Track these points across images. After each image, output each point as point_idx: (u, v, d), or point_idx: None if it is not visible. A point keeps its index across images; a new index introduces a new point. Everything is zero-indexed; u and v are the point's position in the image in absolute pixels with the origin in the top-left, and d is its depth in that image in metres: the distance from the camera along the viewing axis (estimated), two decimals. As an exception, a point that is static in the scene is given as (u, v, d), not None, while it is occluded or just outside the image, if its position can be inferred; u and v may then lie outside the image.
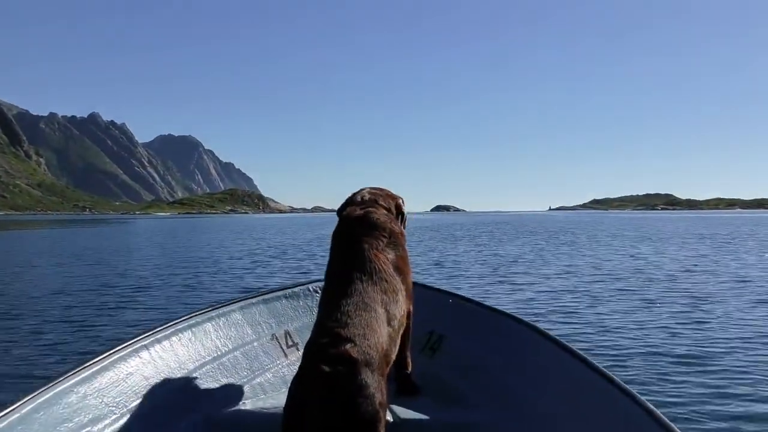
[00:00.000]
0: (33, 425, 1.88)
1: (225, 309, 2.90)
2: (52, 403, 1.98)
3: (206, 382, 2.57)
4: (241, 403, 2.58)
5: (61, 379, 2.05)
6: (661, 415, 1.89)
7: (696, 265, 14.14)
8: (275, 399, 2.61)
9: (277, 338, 3.00)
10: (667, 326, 6.73)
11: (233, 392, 2.62)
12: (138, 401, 2.26)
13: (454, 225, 58.23)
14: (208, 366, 2.64)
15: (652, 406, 1.93)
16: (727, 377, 4.71)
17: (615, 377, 2.17)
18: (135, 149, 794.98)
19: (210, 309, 2.85)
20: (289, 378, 2.01)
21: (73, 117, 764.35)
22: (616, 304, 8.39)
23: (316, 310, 2.41)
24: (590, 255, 17.78)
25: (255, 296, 3.10)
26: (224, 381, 2.65)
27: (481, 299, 3.41)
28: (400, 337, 2.22)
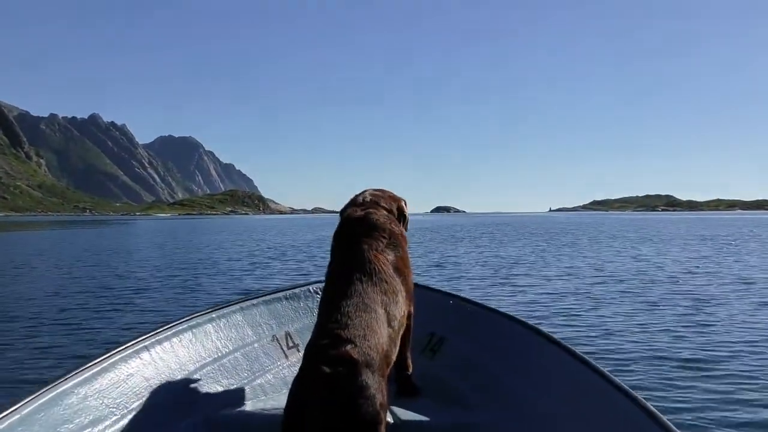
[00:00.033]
0: (33, 426, 1.88)
1: (225, 310, 2.90)
2: (53, 404, 1.98)
3: (207, 383, 2.58)
4: (241, 404, 2.58)
5: (62, 380, 2.05)
6: (661, 416, 1.88)
7: (698, 266, 14.05)
8: (276, 400, 2.60)
9: (277, 339, 3.00)
10: (671, 329, 6.64)
11: (234, 393, 2.62)
12: (139, 402, 2.26)
13: (454, 226, 58.14)
14: (208, 367, 2.65)
15: (652, 407, 1.92)
16: (733, 382, 4.62)
17: (615, 378, 2.15)
18: (135, 150, 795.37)
19: (210, 310, 2.86)
20: (290, 379, 2.02)
21: (74, 118, 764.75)
22: (619, 306, 8.30)
23: (316, 311, 2.41)
24: (592, 256, 17.69)
25: (255, 297, 3.10)
26: (225, 382, 2.65)
27: (482, 301, 3.35)
28: (400, 338, 2.22)
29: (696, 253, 18.79)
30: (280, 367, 2.90)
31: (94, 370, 2.18)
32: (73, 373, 2.11)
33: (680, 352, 5.56)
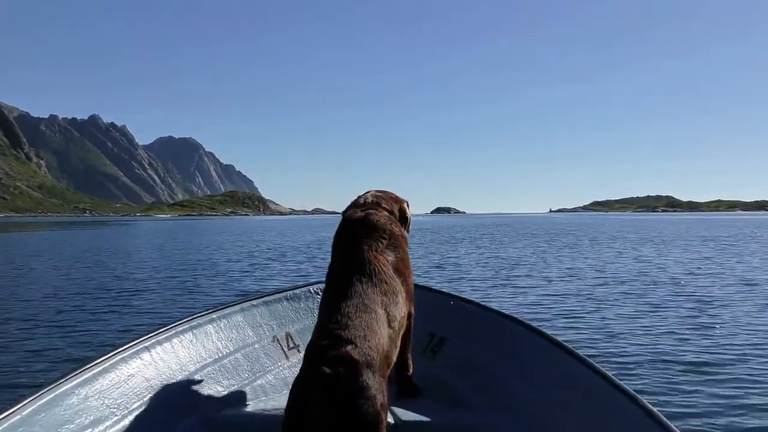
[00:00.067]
0: (34, 427, 1.88)
1: (226, 311, 2.90)
2: (54, 404, 1.98)
3: (207, 384, 2.58)
4: (242, 404, 2.58)
5: (63, 380, 2.05)
6: (662, 417, 1.87)
7: (700, 268, 13.97)
8: (276, 401, 2.60)
9: (278, 340, 3.00)
10: (675, 331, 6.55)
11: (234, 394, 2.63)
12: (139, 403, 2.26)
13: (454, 227, 58.07)
14: (209, 368, 2.65)
15: (653, 408, 1.91)
16: (740, 386, 4.53)
17: (616, 379, 2.14)
18: (135, 151, 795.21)
19: (211, 311, 2.86)
20: (290, 380, 2.02)
21: (74, 119, 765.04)
22: (621, 308, 8.22)
23: (317, 311, 2.42)
24: (593, 257, 17.60)
25: (256, 298, 3.11)
26: (225, 383, 2.65)
27: (483, 302, 3.33)
28: (400, 338, 2.22)
29: (697, 254, 18.70)
30: (281, 368, 2.89)
31: (95, 371, 2.18)
32: (74, 373, 2.11)
33: (684, 355, 5.47)
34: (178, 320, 2.70)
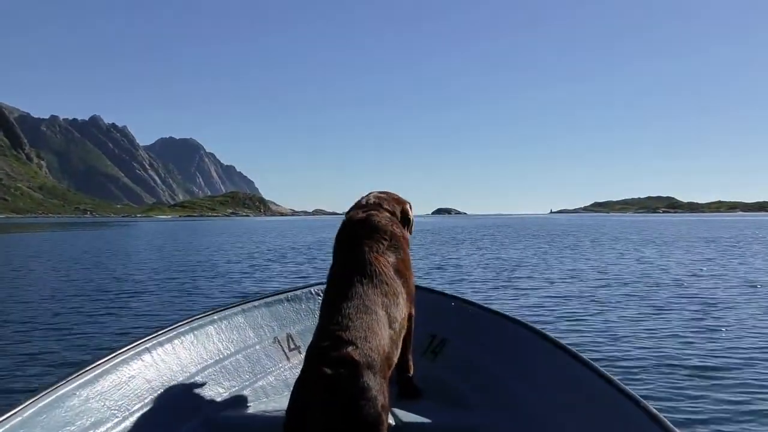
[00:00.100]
0: (35, 428, 1.87)
1: (227, 312, 2.90)
2: (55, 406, 1.97)
3: (208, 385, 2.58)
4: (243, 406, 2.57)
5: (64, 382, 2.05)
6: (667, 421, 1.84)
7: (703, 269, 13.87)
8: (277, 402, 2.60)
9: (279, 341, 3.00)
10: (679, 334, 6.46)
11: (235, 395, 2.62)
12: (140, 404, 2.26)
13: (455, 228, 57.99)
14: (210, 369, 2.64)
15: (656, 412, 1.89)
16: (747, 391, 4.44)
17: (619, 382, 2.12)
18: (136, 152, 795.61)
19: (212, 312, 2.85)
20: (291, 381, 2.02)
21: (75, 120, 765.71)
22: (624, 310, 8.12)
23: (318, 313, 2.41)
24: (594, 259, 17.51)
25: (257, 299, 3.10)
26: (226, 384, 2.65)
27: (484, 303, 3.29)
28: (401, 339, 2.22)
29: (699, 255, 18.61)
30: (282, 369, 2.89)
31: (96, 372, 2.18)
32: (75, 375, 2.10)
33: (689, 359, 5.38)
34: (179, 321, 2.69)
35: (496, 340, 2.83)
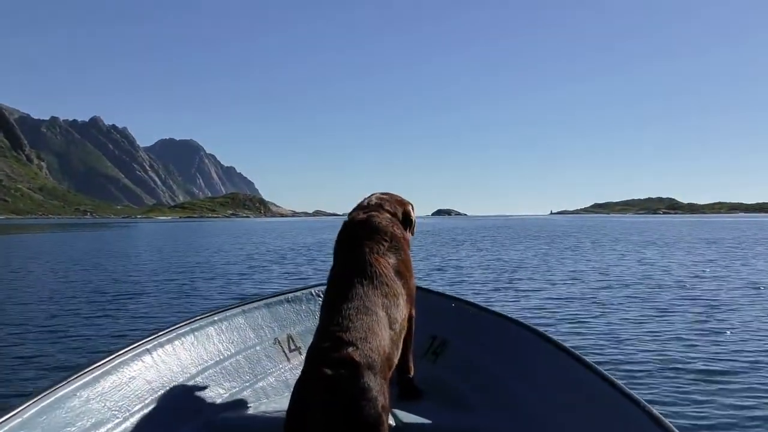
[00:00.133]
0: (35, 429, 1.86)
1: (227, 313, 2.90)
2: (55, 407, 1.97)
3: (209, 386, 2.57)
4: (243, 407, 2.57)
5: (64, 383, 2.04)
6: (668, 422, 1.83)
7: (705, 270, 13.80)
8: (278, 403, 2.59)
9: (279, 342, 2.99)
10: (683, 337, 6.38)
11: (236, 396, 2.62)
12: (141, 405, 2.26)
13: (455, 229, 57.94)
14: (210, 370, 2.64)
15: (657, 413, 1.88)
16: (754, 396, 4.36)
17: (620, 383, 2.11)
18: (136, 153, 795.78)
19: (212, 313, 2.85)
20: (292, 382, 2.02)
21: (75, 121, 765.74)
22: (627, 312, 8.04)
23: (318, 313, 2.42)
24: (595, 260, 17.44)
25: (257, 300, 3.10)
26: (227, 385, 2.65)
27: (485, 305, 3.24)
28: (402, 340, 2.22)
29: (701, 256, 18.53)
30: (282, 370, 2.88)
31: (96, 373, 2.17)
32: (76, 375, 2.10)
33: (694, 363, 5.30)
34: (179, 322, 2.68)
35: (497, 341, 2.82)
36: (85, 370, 2.15)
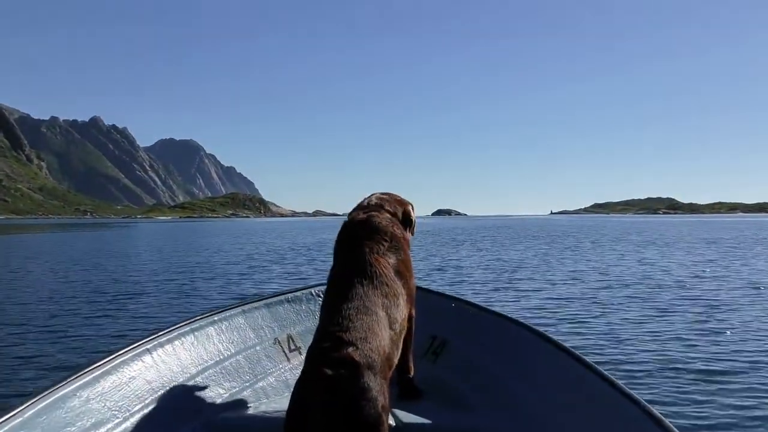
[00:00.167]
0: (35, 429, 1.87)
1: (227, 313, 2.90)
2: (55, 407, 1.97)
3: (209, 386, 2.57)
4: (243, 407, 2.57)
5: (64, 383, 2.04)
6: (666, 421, 1.83)
7: (705, 270, 13.79)
8: (278, 403, 2.59)
9: (279, 342, 2.99)
10: (683, 337, 6.37)
11: (236, 396, 2.62)
12: (141, 405, 2.26)
13: (455, 229, 57.92)
14: (210, 370, 2.64)
15: (656, 411, 1.88)
16: (754, 396, 4.36)
17: (619, 382, 2.11)
18: (136, 153, 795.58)
19: (212, 313, 2.85)
20: (292, 382, 2.02)
21: (75, 121, 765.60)
22: (627, 312, 8.04)
23: (318, 313, 2.42)
24: (596, 260, 17.43)
25: (257, 300, 3.10)
26: (227, 385, 2.65)
27: (485, 305, 3.23)
28: (401, 340, 2.21)
29: (701, 256, 18.53)
30: (282, 370, 2.88)
31: (97, 373, 2.17)
32: (76, 375, 2.10)
33: (694, 363, 5.30)
34: (179, 322, 2.68)
35: (497, 340, 2.82)
36: (85, 370, 2.14)
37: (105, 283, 12.11)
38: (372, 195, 2.66)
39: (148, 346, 2.44)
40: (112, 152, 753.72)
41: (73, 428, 1.99)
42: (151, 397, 2.31)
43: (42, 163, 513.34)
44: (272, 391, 2.76)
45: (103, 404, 2.13)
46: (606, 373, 2.20)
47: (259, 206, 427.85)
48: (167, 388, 2.40)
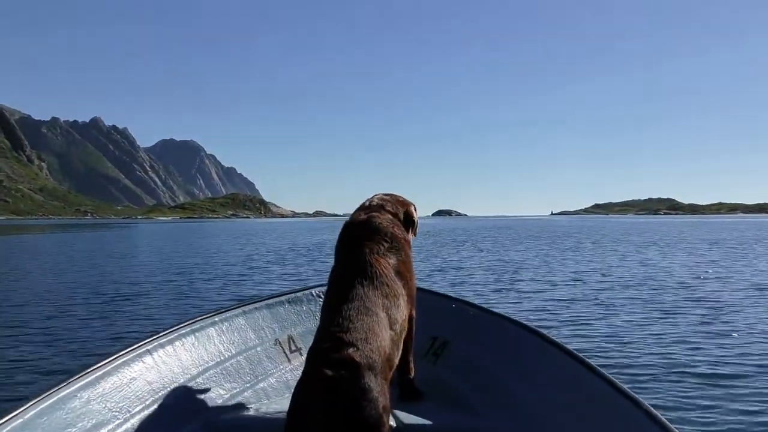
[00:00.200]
0: (36, 430, 1.87)
1: (228, 314, 2.90)
2: (56, 408, 1.97)
3: (210, 387, 2.57)
4: (244, 408, 2.56)
5: (65, 384, 2.05)
6: (665, 421, 1.84)
7: (708, 271, 13.71)
8: (278, 404, 2.60)
9: (280, 343, 2.99)
10: (687, 340, 6.29)
11: (236, 397, 2.62)
12: (141, 406, 2.26)
13: (456, 230, 57.86)
14: (211, 371, 2.64)
15: (654, 411, 1.88)
16: (762, 401, 4.27)
17: (618, 382, 2.12)
18: (137, 154, 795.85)
19: (213, 314, 2.85)
20: (293, 383, 2.03)
21: (75, 122, 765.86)
22: (630, 314, 7.95)
23: (319, 314, 2.40)
24: (597, 261, 17.35)
25: (258, 301, 3.10)
26: (227, 386, 2.65)
27: (485, 305, 3.23)
28: (402, 341, 2.21)
29: (703, 257, 18.44)
30: (283, 371, 2.89)
31: (97, 374, 2.18)
32: (76, 377, 2.10)
33: (699, 366, 5.22)
34: (180, 323, 2.69)
35: (497, 341, 2.82)
36: (86, 371, 2.15)
37: (104, 285, 12.02)
38: (374, 196, 2.67)
39: (148, 347, 2.44)
40: (112, 153, 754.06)
41: (74, 429, 1.99)
42: (152, 398, 2.31)
43: (42, 164, 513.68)
44: (273, 392, 2.76)
45: (103, 405, 2.13)
46: (606, 373, 2.21)
47: (260, 207, 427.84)
48: (168, 389, 2.40)
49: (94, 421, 2.06)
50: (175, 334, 2.60)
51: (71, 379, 2.09)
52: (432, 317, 2.97)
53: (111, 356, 2.29)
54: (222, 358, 2.73)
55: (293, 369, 2.89)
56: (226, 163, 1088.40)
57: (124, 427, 2.15)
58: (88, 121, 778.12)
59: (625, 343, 6.15)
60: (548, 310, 8.33)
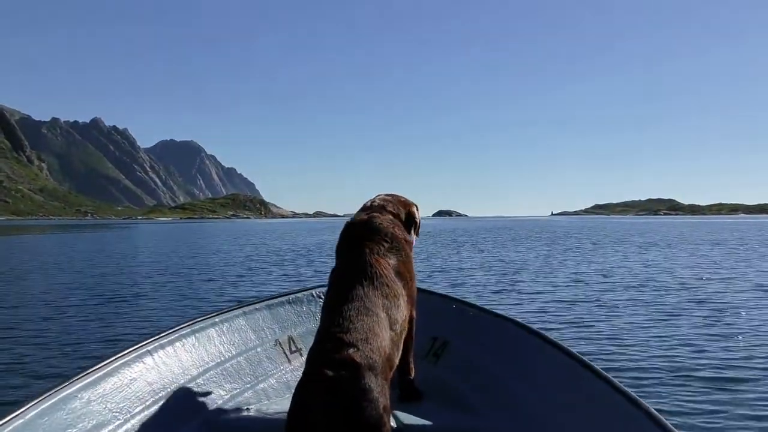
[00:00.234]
0: (37, 431, 1.88)
1: (228, 315, 2.90)
2: (57, 408, 1.98)
3: (210, 388, 2.58)
4: (244, 408, 2.57)
5: (66, 384, 2.06)
6: (663, 419, 1.85)
7: (710, 272, 13.63)
8: (279, 404, 2.61)
9: (280, 344, 2.99)
10: (691, 342, 6.22)
11: (237, 398, 2.63)
12: (142, 407, 2.26)
13: (456, 230, 57.79)
14: (211, 371, 2.64)
15: (654, 411, 1.88)
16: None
17: (617, 382, 2.12)
18: (137, 154, 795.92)
19: (213, 315, 2.86)
20: (293, 383, 2.04)
21: (76, 122, 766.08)
22: (632, 316, 7.88)
23: (319, 315, 2.42)
24: (598, 261, 17.28)
25: (258, 302, 3.11)
26: (228, 386, 2.65)
27: (485, 306, 3.20)
28: (402, 341, 2.22)
29: (704, 258, 18.37)
30: (283, 372, 2.89)
31: (98, 375, 2.18)
32: (77, 377, 2.11)
33: (704, 370, 5.14)
34: (181, 324, 2.69)
35: (497, 341, 2.82)
36: (87, 372, 2.15)
37: (103, 286, 11.96)
38: (376, 196, 2.66)
39: (149, 348, 2.45)
40: (112, 153, 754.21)
41: (75, 429, 1.99)
42: (152, 399, 2.31)
43: (43, 165, 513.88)
44: (273, 392, 2.76)
45: (104, 406, 2.14)
46: (605, 373, 2.21)
47: (260, 207, 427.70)
48: (168, 389, 2.40)
49: (94, 422, 2.07)
50: (176, 335, 2.60)
51: (72, 380, 2.09)
52: (432, 318, 2.96)
53: (111, 357, 2.29)
54: (222, 358, 2.73)
55: (293, 369, 2.88)
56: (226, 164, 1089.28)
57: (125, 427, 2.15)
58: (88, 121, 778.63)
59: (627, 345, 6.08)
60: (549, 312, 8.26)
